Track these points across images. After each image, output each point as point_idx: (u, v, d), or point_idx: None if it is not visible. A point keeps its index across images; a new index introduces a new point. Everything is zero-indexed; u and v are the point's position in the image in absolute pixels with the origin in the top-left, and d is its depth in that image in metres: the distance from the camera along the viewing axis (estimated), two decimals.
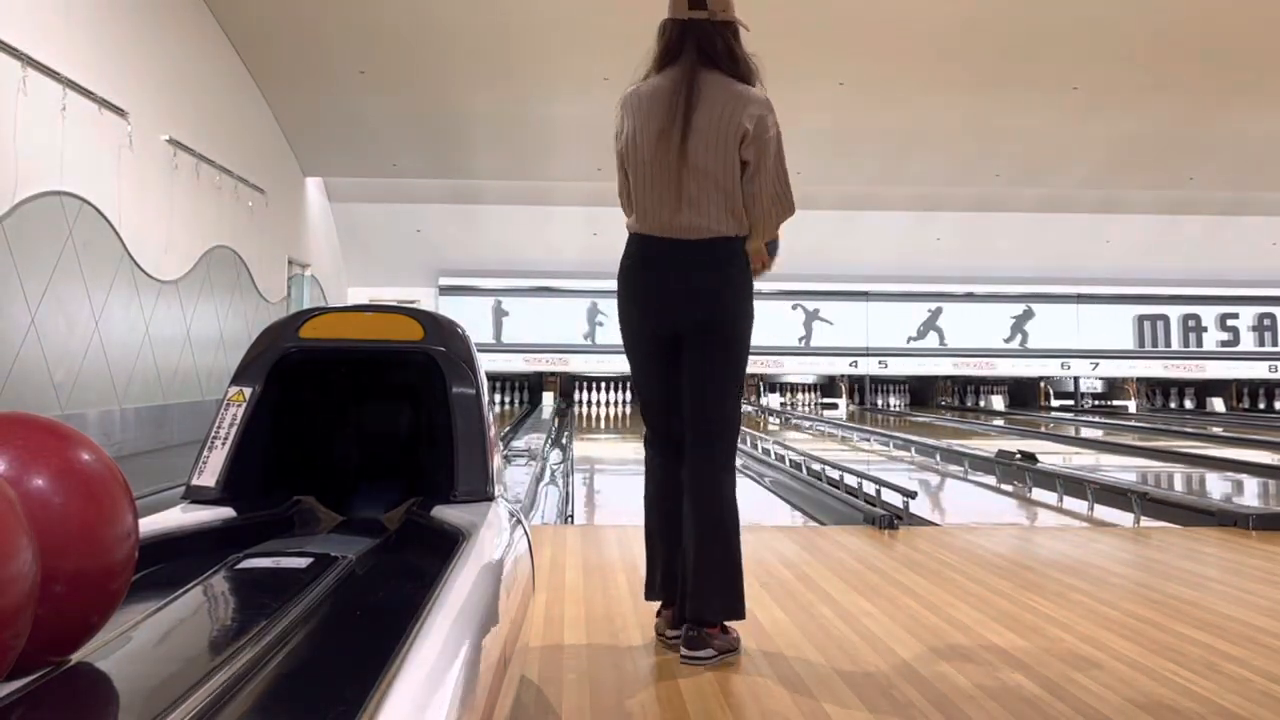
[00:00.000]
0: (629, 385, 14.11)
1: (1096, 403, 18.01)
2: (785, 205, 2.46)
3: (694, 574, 2.38)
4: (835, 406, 17.44)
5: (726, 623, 2.44)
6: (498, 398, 16.88)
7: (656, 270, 2.45)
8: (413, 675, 1.00)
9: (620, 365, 14.22)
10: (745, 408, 16.66)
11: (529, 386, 17.35)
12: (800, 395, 17.94)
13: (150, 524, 1.75)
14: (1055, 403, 17.84)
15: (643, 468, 2.65)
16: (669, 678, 2.33)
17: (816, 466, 6.59)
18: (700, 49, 2.47)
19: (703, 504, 2.42)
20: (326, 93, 11.37)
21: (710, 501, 2.42)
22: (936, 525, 4.86)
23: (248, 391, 2.21)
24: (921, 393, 18.17)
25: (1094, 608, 3.03)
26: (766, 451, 8.31)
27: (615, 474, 8.70)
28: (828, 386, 17.96)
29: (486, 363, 2.40)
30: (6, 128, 6.09)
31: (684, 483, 2.46)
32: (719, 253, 2.40)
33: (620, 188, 2.58)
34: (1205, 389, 17.97)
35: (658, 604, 2.60)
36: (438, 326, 2.34)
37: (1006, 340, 17.36)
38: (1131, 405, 17.59)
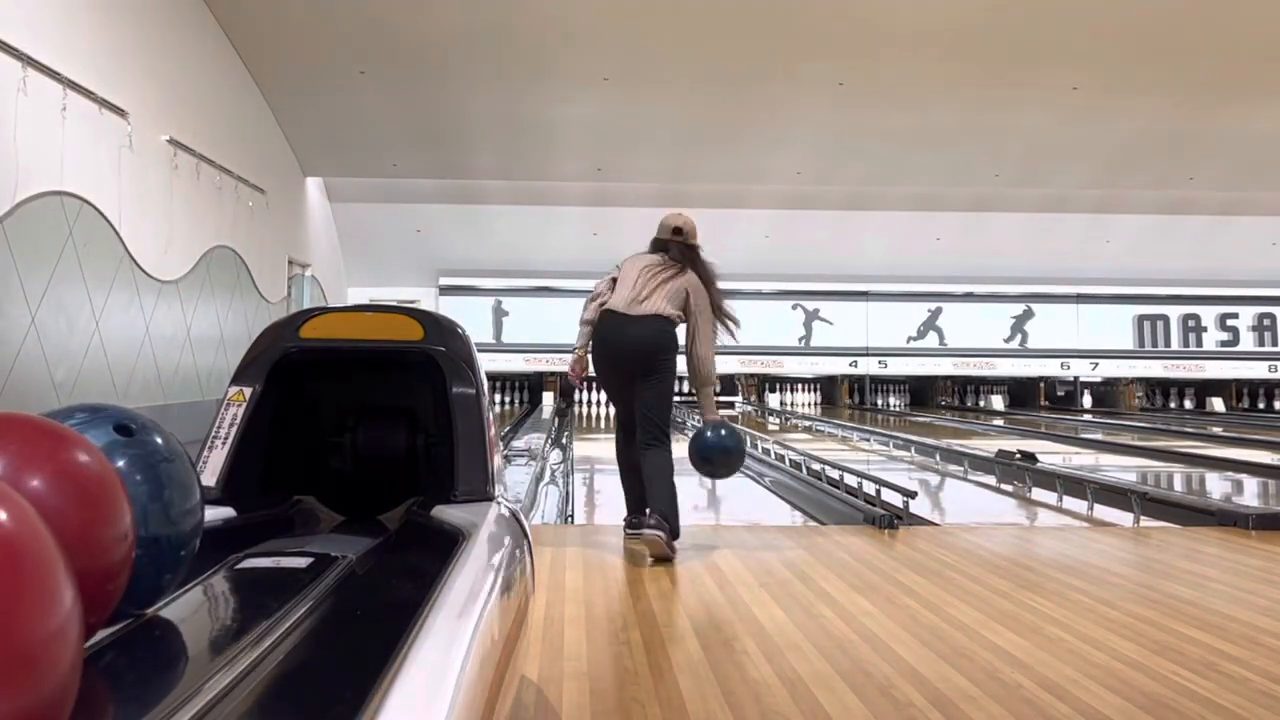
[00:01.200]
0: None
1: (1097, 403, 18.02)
2: (706, 361, 4.03)
3: (651, 498, 3.88)
4: (833, 403, 17.50)
5: (673, 543, 3.79)
6: (498, 398, 16.87)
7: (622, 333, 3.93)
8: (413, 675, 0.99)
9: None
10: (745, 407, 16.82)
11: (529, 386, 17.35)
12: (800, 395, 17.95)
13: None
14: (1055, 401, 17.86)
15: None
16: (669, 677, 2.33)
17: (816, 466, 6.58)
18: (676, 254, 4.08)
19: (653, 462, 3.92)
20: (326, 93, 11.36)
21: (657, 462, 3.92)
22: (936, 525, 4.87)
23: (248, 391, 2.21)
24: (921, 393, 18.16)
25: (1094, 608, 3.03)
26: (766, 451, 8.29)
27: (615, 474, 8.65)
28: (828, 387, 17.98)
29: (486, 363, 2.40)
30: (6, 128, 6.09)
31: (640, 452, 3.96)
32: (657, 324, 3.90)
33: (596, 291, 4.10)
34: (1205, 389, 17.95)
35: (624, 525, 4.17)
36: (438, 326, 2.34)
37: (1006, 340, 17.35)
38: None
